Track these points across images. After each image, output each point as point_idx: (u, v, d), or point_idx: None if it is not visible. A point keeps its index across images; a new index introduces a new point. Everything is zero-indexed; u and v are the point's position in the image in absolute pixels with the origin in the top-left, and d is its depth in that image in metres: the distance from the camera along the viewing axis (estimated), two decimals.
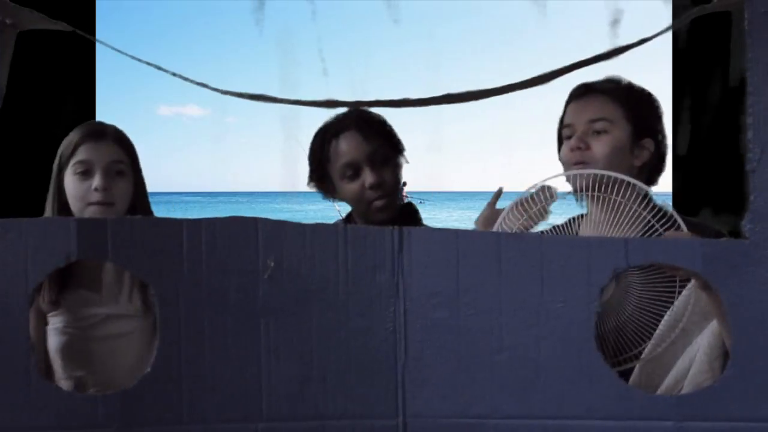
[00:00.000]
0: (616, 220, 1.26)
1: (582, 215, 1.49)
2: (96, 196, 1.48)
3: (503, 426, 1.02)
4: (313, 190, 1.64)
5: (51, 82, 2.27)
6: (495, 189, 1.60)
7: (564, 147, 1.45)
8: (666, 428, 1.00)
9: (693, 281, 1.16)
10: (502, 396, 1.02)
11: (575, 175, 1.34)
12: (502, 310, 1.03)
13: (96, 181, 1.48)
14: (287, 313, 1.03)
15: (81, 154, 1.51)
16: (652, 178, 1.46)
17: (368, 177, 1.53)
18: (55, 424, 1.00)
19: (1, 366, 1.00)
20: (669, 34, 1.08)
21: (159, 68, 1.01)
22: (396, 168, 1.58)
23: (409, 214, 1.65)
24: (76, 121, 2.34)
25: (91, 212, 1.48)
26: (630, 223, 1.25)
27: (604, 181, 1.28)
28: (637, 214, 1.24)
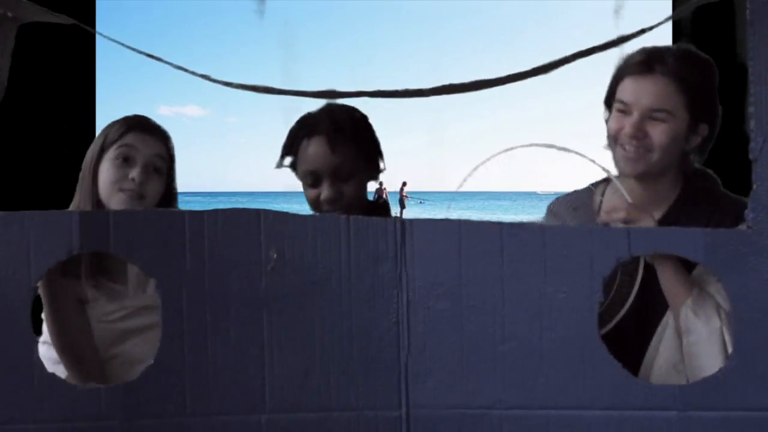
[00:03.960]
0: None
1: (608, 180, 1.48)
2: (130, 185, 1.48)
3: (506, 416, 1.02)
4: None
5: (51, 82, 2.27)
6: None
7: (614, 119, 1.39)
8: (669, 418, 1.00)
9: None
10: (506, 386, 1.02)
11: None
12: (504, 301, 1.03)
13: (135, 171, 1.48)
14: (290, 305, 1.03)
15: (127, 140, 1.50)
16: (698, 157, 1.43)
17: (326, 191, 1.47)
18: (59, 417, 1.00)
19: (4, 359, 1.00)
20: (669, 25, 1.08)
21: (159, 60, 1.01)
22: (363, 180, 1.52)
23: (378, 213, 1.60)
24: (76, 121, 2.35)
25: (119, 199, 1.48)
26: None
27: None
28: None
